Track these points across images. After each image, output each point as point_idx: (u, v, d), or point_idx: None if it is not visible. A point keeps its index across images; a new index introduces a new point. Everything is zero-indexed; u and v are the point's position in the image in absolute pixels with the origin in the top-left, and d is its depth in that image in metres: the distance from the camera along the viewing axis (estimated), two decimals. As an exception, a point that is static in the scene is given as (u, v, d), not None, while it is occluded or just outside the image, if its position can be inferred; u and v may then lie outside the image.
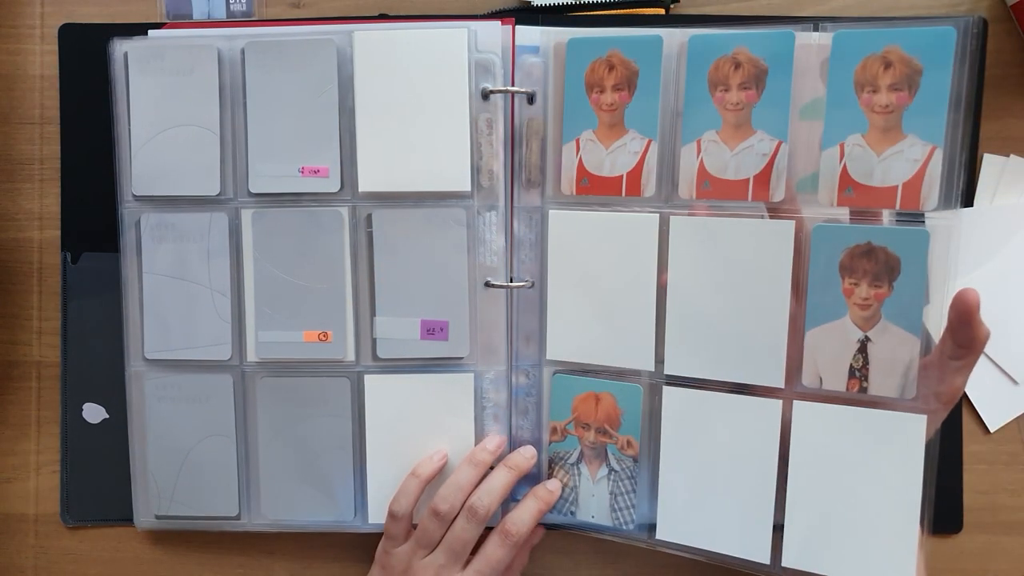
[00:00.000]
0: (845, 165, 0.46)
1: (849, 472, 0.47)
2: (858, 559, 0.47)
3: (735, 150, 0.48)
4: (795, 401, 0.48)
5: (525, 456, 0.54)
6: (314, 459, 0.55)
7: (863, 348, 0.46)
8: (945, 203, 0.44)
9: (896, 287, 0.45)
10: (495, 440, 0.54)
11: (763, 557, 0.49)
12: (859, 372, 0.46)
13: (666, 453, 0.51)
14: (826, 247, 0.46)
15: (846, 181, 0.46)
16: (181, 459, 0.55)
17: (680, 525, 0.52)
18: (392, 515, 0.52)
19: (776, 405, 0.48)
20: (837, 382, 0.47)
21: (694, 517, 0.51)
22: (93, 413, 0.57)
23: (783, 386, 0.48)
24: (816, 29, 0.46)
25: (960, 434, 0.56)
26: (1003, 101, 0.55)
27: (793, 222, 0.47)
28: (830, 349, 0.47)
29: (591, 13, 0.54)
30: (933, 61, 0.44)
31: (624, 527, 0.53)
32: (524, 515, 0.52)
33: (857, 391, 0.46)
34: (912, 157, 0.45)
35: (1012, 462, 0.56)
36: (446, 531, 0.51)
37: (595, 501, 0.54)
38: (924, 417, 0.45)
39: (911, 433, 0.45)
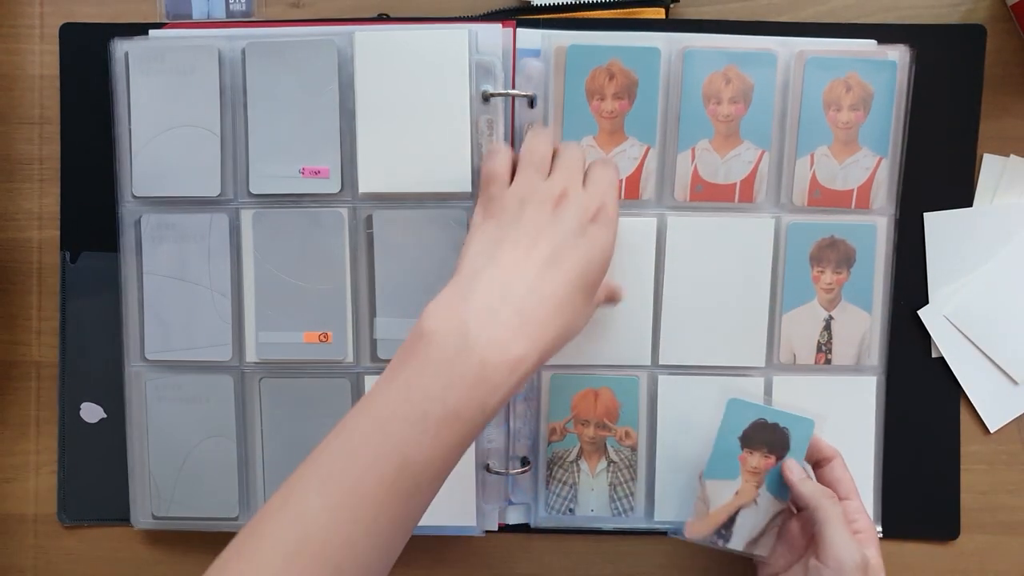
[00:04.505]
0: (814, 172, 0.53)
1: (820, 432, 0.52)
2: None
3: (725, 157, 0.53)
4: (774, 376, 0.55)
5: None
6: (314, 460, 0.55)
7: (828, 326, 0.54)
8: (888, 202, 0.54)
9: (852, 272, 0.54)
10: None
11: None
12: (824, 346, 0.55)
13: (662, 438, 0.55)
14: (799, 241, 0.54)
15: (815, 185, 0.53)
16: (180, 460, 0.55)
17: (676, 504, 0.55)
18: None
19: (759, 383, 0.55)
20: (808, 357, 0.54)
21: (688, 494, 0.54)
22: (91, 413, 0.57)
23: (763, 365, 0.55)
24: (807, 34, 0.53)
25: (959, 434, 0.56)
26: (1003, 101, 0.55)
27: (773, 220, 0.54)
28: (802, 329, 0.54)
29: (591, 14, 0.54)
30: (881, 87, 0.52)
31: (623, 515, 0.55)
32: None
33: (824, 363, 0.55)
34: (865, 166, 0.53)
35: (1012, 462, 0.56)
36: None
37: (594, 495, 0.55)
38: (874, 379, 0.55)
39: (865, 392, 0.55)
